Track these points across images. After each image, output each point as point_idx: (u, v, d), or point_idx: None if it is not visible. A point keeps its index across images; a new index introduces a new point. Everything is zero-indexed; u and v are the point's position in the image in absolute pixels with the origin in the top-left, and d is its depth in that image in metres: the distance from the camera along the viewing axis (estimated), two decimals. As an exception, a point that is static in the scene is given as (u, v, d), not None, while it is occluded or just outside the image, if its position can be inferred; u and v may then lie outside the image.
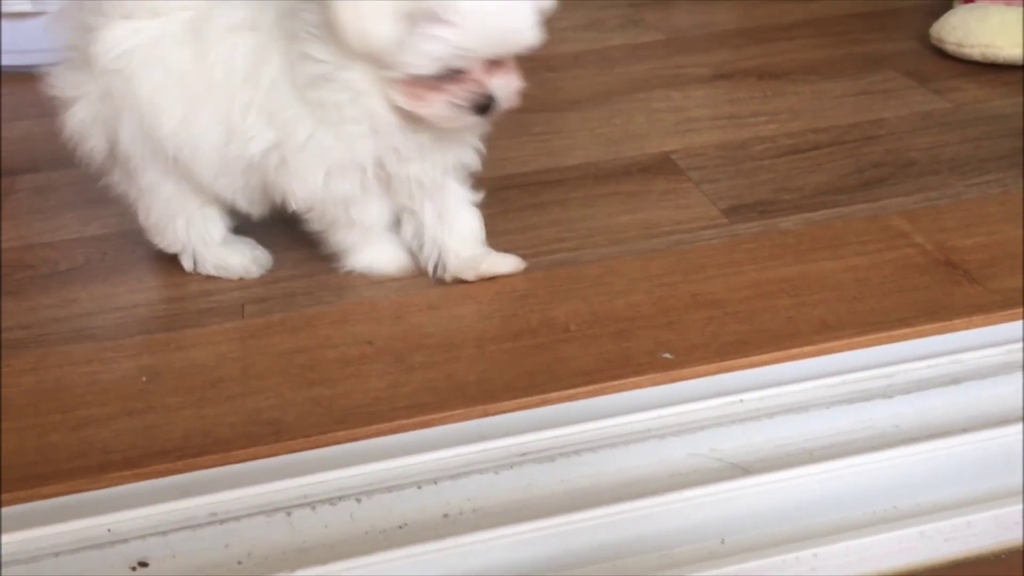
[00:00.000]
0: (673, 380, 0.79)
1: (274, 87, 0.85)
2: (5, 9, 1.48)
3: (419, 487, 0.73)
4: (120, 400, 0.80)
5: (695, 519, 0.70)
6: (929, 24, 1.36)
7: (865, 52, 1.38)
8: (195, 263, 0.99)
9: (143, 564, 0.69)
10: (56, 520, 0.69)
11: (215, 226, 0.97)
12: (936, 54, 1.34)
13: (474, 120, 0.84)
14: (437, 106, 0.82)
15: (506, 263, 0.94)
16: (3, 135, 1.33)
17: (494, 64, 0.82)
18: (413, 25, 0.78)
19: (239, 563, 0.69)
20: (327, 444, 0.75)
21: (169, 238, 0.97)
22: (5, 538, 0.68)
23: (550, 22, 0.80)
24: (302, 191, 0.89)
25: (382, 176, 0.89)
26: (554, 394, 0.78)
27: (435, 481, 0.73)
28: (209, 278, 0.98)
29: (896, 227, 0.96)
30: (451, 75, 0.81)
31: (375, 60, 0.81)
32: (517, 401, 0.78)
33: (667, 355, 0.81)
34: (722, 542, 0.69)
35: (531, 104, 1.31)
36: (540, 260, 0.97)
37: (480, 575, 0.68)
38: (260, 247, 1.00)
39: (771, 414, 0.77)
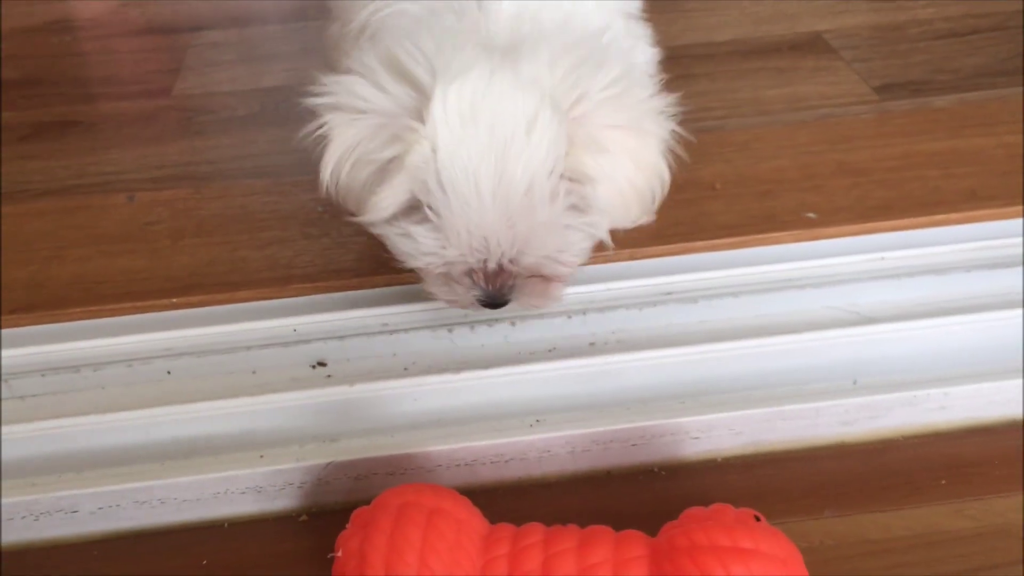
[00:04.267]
0: (816, 238, 0.82)
1: None
2: None
3: (568, 317, 0.79)
4: (299, 226, 0.88)
5: (829, 359, 0.74)
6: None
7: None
8: None
9: (321, 364, 0.78)
10: (249, 319, 0.79)
11: None
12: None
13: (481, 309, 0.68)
14: (439, 291, 0.68)
15: None
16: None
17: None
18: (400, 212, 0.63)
19: (405, 369, 0.77)
20: (485, 274, 0.82)
21: None
22: (211, 329, 0.78)
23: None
24: None
25: None
26: (699, 243, 0.83)
27: (584, 312, 0.79)
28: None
29: (1056, 108, 0.95)
30: None
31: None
32: (663, 247, 0.83)
33: (811, 215, 0.84)
34: (854, 383, 0.73)
35: (683, -20, 1.34)
36: (687, 126, 1.00)
37: (618, 395, 0.74)
38: None
39: (911, 274, 0.79)
